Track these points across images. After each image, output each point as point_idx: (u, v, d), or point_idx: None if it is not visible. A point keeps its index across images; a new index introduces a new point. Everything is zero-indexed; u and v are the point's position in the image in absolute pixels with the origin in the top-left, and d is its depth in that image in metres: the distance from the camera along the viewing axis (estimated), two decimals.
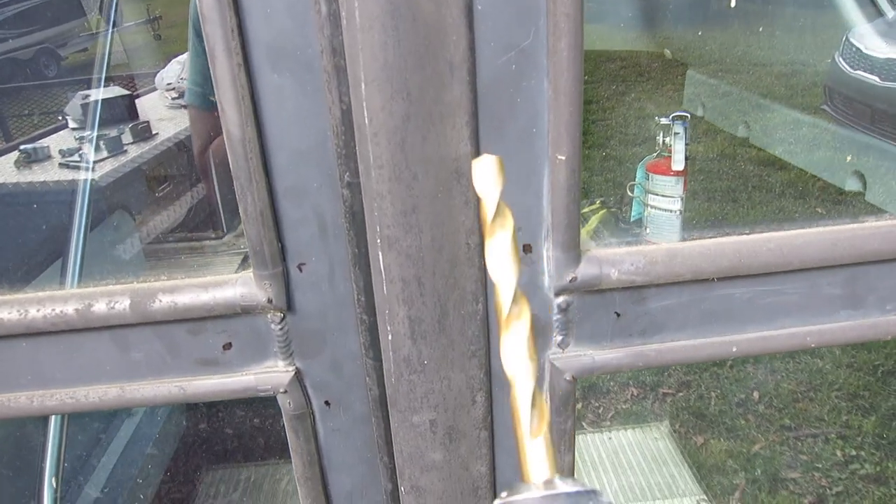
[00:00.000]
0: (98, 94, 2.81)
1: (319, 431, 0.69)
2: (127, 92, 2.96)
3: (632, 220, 2.82)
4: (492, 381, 0.66)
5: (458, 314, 0.62)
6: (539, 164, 0.59)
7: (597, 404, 3.04)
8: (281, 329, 0.64)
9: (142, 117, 2.88)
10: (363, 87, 0.53)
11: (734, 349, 0.69)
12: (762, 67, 7.19)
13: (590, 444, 2.79)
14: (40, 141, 2.73)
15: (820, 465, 2.69)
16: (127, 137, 2.71)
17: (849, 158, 4.70)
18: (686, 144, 2.51)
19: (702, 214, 4.61)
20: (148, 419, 2.58)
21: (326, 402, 0.68)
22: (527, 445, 0.35)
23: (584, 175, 0.59)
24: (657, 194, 2.60)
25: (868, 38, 4.84)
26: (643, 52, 8.48)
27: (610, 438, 2.81)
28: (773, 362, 3.19)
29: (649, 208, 2.64)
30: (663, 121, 2.56)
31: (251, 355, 0.66)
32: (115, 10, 3.16)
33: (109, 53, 2.80)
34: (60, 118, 3.05)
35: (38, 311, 0.62)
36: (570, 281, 0.63)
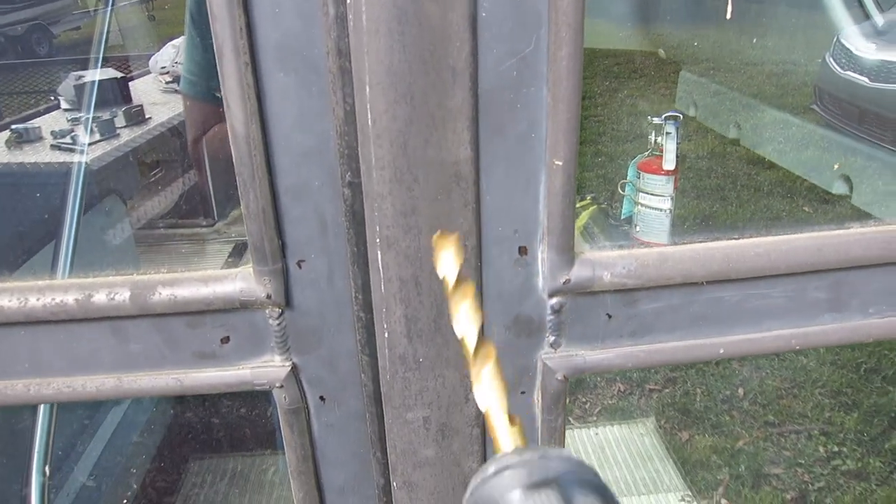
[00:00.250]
0: (92, 75, 2.78)
1: (314, 426, 0.70)
2: (121, 74, 2.92)
3: (622, 217, 2.84)
4: None
5: None
6: (536, 169, 0.60)
7: (584, 399, 3.07)
8: (279, 324, 0.65)
9: (135, 101, 2.85)
10: (368, 89, 0.54)
11: (721, 351, 0.70)
12: (754, 67, 7.24)
13: (576, 439, 2.81)
14: (32, 121, 2.70)
15: (803, 461, 2.73)
16: (120, 121, 2.68)
17: (836, 167, 4.75)
18: (677, 144, 2.53)
19: (691, 212, 4.65)
20: (135, 407, 2.58)
21: (321, 398, 0.69)
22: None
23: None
24: (648, 193, 2.61)
25: (858, 40, 4.88)
26: (637, 52, 8.49)
27: (596, 434, 2.84)
28: (758, 360, 3.23)
29: (640, 206, 2.66)
30: (655, 120, 2.57)
31: (248, 350, 0.67)
32: None
33: (107, 32, 2.76)
34: (52, 98, 3.01)
35: (37, 299, 0.63)
36: (564, 283, 0.64)
